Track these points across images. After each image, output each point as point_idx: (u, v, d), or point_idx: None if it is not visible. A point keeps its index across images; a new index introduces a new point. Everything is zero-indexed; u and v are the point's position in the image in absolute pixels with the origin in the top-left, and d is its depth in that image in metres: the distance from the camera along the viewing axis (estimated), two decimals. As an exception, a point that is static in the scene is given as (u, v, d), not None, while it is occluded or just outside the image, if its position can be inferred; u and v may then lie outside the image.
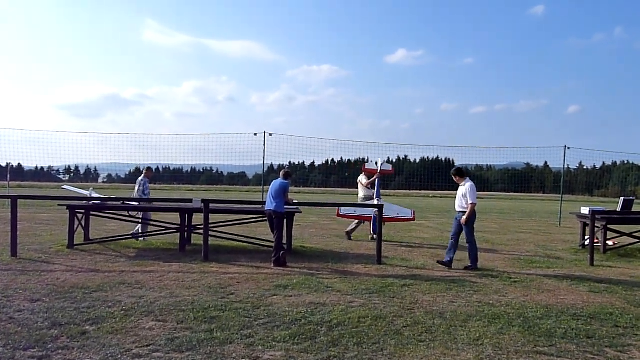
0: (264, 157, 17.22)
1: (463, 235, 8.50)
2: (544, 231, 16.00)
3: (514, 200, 48.33)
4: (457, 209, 8.50)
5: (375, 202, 11.48)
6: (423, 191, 48.31)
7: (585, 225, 11.47)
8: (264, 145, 17.02)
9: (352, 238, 12.07)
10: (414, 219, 12.26)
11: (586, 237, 11.16)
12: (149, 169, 11.53)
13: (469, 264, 8.34)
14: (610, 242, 11.73)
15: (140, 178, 11.15)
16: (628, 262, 9.68)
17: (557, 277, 7.91)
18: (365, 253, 9.88)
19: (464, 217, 8.31)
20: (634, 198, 12.12)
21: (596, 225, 10.28)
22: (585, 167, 58.63)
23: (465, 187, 8.37)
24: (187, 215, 9.88)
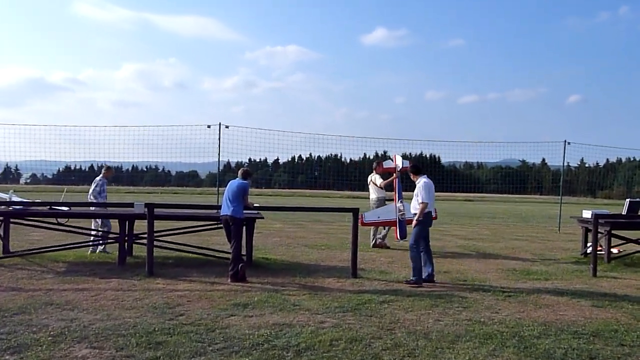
0: (219, 154, 17.12)
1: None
2: (541, 238, 16.38)
3: (508, 203, 49.31)
4: (412, 210, 8.58)
5: (400, 205, 11.84)
6: (404, 192, 48.83)
7: (587, 231, 11.80)
8: (219, 139, 16.93)
9: (388, 245, 12.61)
10: (435, 218, 12.54)
11: (588, 245, 11.48)
12: (108, 168, 11.41)
13: (411, 277, 8.34)
14: (614, 250, 12.09)
15: (98, 178, 11.05)
16: (634, 273, 10.01)
17: (556, 290, 8.12)
18: (339, 265, 9.92)
19: (414, 219, 8.40)
20: (641, 200, 12.54)
21: (599, 230, 10.59)
22: (587, 165, 60.21)
23: (418, 185, 8.49)
24: (127, 223, 9.75)
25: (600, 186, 44.22)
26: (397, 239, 12.36)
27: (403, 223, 12.18)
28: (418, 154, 55.74)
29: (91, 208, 10.32)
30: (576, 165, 58.84)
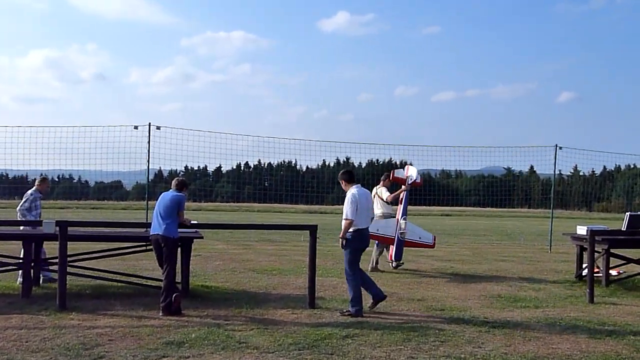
0: (148, 160, 16.88)
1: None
2: (530, 258, 16.71)
3: (492, 218, 50.18)
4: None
5: (402, 223, 12.44)
6: (410, 207, 49.22)
7: (582, 249, 12.09)
8: (149, 142, 16.70)
9: (378, 268, 12.94)
10: (433, 246, 13.31)
11: (584, 266, 11.76)
12: (43, 179, 11.08)
13: (350, 308, 8.37)
14: (614, 272, 12.42)
15: (30, 191, 10.78)
16: (636, 297, 10.30)
17: (548, 320, 8.28)
18: (293, 293, 9.89)
19: (340, 237, 8.50)
20: (644, 213, 12.92)
21: (596, 249, 10.86)
22: (582, 173, 61.75)
23: (346, 198, 8.52)
24: (33, 245, 9.49)
25: (596, 197, 45.48)
26: (391, 259, 12.83)
27: (402, 243, 12.68)
28: (386, 160, 56.17)
29: (21, 227, 10.07)
30: (569, 173, 60.11)
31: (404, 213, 12.67)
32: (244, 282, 10.97)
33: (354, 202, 8.43)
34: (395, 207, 13.17)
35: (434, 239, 13.27)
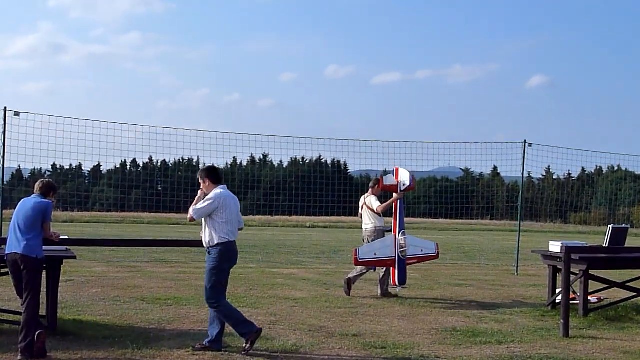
0: (2, 157, 16.46)
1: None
2: (492, 282, 17.09)
3: (446, 232, 51.04)
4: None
5: (401, 239, 13.08)
6: (295, 217, 49.27)
7: (556, 271, 12.43)
8: (4, 134, 16.29)
9: (350, 290, 13.51)
10: (437, 256, 14.10)
11: (557, 291, 12.10)
12: None
13: (244, 345, 8.41)
14: (593, 298, 12.83)
15: None
16: (620, 330, 10.67)
17: (514, 358, 8.48)
18: (194, 329, 9.82)
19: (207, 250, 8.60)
20: (629, 226, 13.41)
21: (573, 271, 11.20)
22: (555, 177, 63.59)
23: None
24: None
25: (573, 207, 46.63)
26: (395, 284, 13.15)
27: (404, 263, 13.07)
28: (314, 158, 56.41)
29: None
30: (540, 176, 61.79)
31: (402, 226, 13.24)
32: (130, 315, 10.80)
33: (216, 204, 8.40)
34: (387, 218, 13.81)
35: (437, 247, 13.87)
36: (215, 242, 8.47)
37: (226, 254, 8.52)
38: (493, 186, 63.06)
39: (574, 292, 12.05)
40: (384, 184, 13.64)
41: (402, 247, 13.00)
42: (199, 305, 11.85)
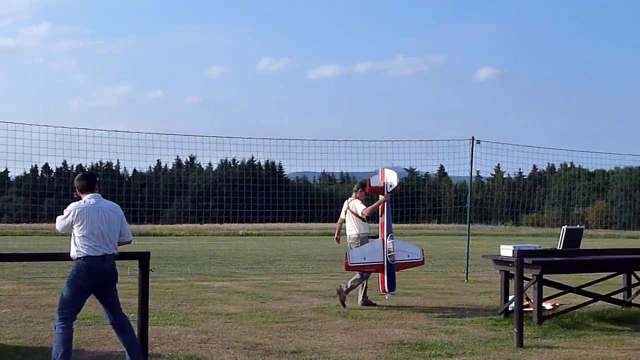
0: None
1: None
2: (441, 291, 17.24)
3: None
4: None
5: (389, 243, 13.48)
6: (227, 224, 49.09)
7: (508, 276, 12.60)
8: None
9: (344, 297, 13.86)
10: (423, 262, 14.56)
11: (510, 298, 12.26)
12: None
13: None
14: (548, 305, 13.04)
15: None
16: (576, 338, 10.86)
17: (466, 372, 8.58)
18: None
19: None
20: (584, 227, 13.65)
21: (526, 276, 11.36)
22: (506, 175, 64.53)
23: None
24: None
25: (525, 207, 47.37)
26: (384, 290, 13.56)
27: (393, 269, 13.48)
28: (246, 160, 56.23)
29: None
30: (490, 175, 62.68)
31: (389, 229, 13.66)
32: (44, 338, 10.61)
33: (70, 218, 8.24)
34: (372, 224, 14.40)
35: (422, 253, 14.22)
36: (73, 257, 8.35)
37: (84, 271, 8.31)
38: (440, 187, 63.58)
39: (528, 299, 12.23)
40: (372, 185, 14.01)
41: (391, 252, 13.35)
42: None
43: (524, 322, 10.53)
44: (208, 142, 22.55)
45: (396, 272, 13.69)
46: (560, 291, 12.76)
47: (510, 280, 12.37)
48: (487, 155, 21.85)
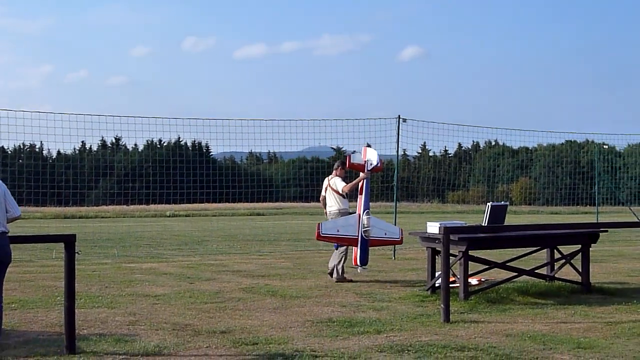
0: None
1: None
2: (370, 268, 17.35)
3: (318, 216, 51.49)
4: None
5: (365, 219, 13.89)
6: (154, 205, 48.63)
7: (434, 253, 12.78)
8: None
9: (345, 277, 14.51)
10: (401, 241, 14.99)
11: (437, 274, 12.43)
12: None
13: None
14: (474, 280, 13.26)
15: None
16: (502, 312, 11.08)
17: (394, 348, 8.65)
18: (44, 333, 9.56)
19: None
20: (508, 203, 13.91)
21: (452, 252, 11.53)
22: (432, 154, 65.18)
23: None
24: None
25: (451, 185, 47.86)
26: (356, 264, 13.99)
27: (366, 244, 13.89)
28: (173, 140, 55.62)
29: None
30: (416, 154, 63.18)
31: (367, 205, 14.04)
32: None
33: None
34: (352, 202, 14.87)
35: (401, 232, 14.56)
36: None
37: None
38: (366, 165, 63.77)
39: (454, 275, 12.42)
40: (351, 162, 14.56)
41: (366, 227, 13.68)
42: (48, 308, 11.55)
43: (451, 298, 10.68)
44: (134, 123, 22.23)
45: (370, 248, 14.13)
46: (485, 267, 12.98)
47: (437, 256, 12.54)
48: (413, 133, 22.05)
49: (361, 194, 14.21)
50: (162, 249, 23.71)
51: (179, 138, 54.75)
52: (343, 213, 14.56)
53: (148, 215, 50.60)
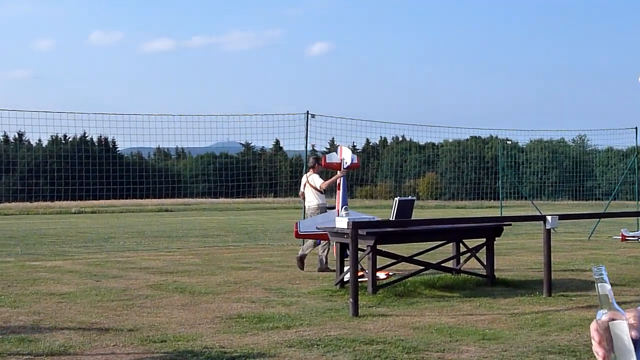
0: None
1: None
2: (278, 264, 17.40)
3: (227, 212, 51.42)
4: None
5: (343, 212, 13.74)
6: (58, 202, 47.73)
7: (343, 247, 12.86)
8: None
9: (328, 267, 15.03)
10: None
11: (345, 269, 12.52)
12: None
13: None
14: (382, 274, 13.40)
15: None
16: (409, 305, 11.23)
17: (303, 343, 8.68)
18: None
19: None
20: (415, 198, 14.12)
21: (360, 247, 11.62)
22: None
23: None
24: None
25: (359, 180, 48.26)
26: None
27: None
28: (78, 136, 54.78)
29: None
30: (325, 149, 63.42)
31: (344, 201, 14.44)
32: None
33: None
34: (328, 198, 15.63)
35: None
36: None
37: None
38: (276, 161, 63.83)
39: (362, 269, 12.52)
40: (327, 162, 15.03)
41: None
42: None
43: (359, 292, 10.77)
44: (37, 118, 21.81)
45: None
46: (393, 261, 13.15)
47: (345, 251, 12.63)
48: (322, 129, 22.22)
49: (339, 190, 14.73)
50: (68, 246, 23.28)
51: (85, 133, 54.00)
52: (322, 208, 15.39)
53: (53, 212, 49.64)
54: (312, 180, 15.66)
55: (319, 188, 15.51)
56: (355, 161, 15.17)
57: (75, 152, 40.38)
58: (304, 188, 15.97)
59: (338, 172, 14.92)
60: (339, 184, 14.77)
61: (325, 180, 15.70)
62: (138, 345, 8.68)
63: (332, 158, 15.10)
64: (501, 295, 12.06)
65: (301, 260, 15.20)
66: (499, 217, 15.72)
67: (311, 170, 15.95)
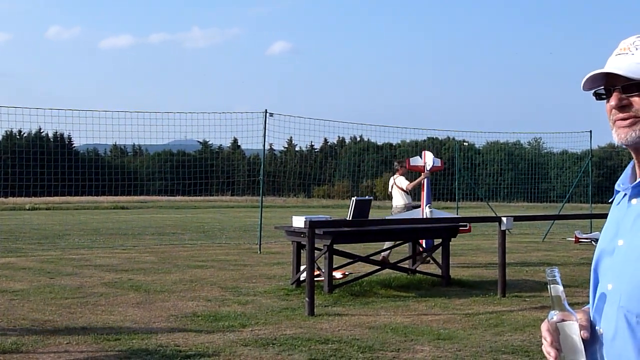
0: None
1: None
2: (235, 262, 17.37)
3: (183, 210, 51.23)
4: None
5: (428, 211, 15.50)
6: (12, 198, 47.21)
7: (300, 247, 12.86)
8: None
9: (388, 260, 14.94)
10: (470, 229, 16.36)
11: (302, 268, 12.53)
12: None
13: None
14: (338, 274, 13.43)
15: None
16: (365, 305, 11.27)
17: (259, 342, 8.68)
18: None
19: None
20: (372, 198, 14.18)
21: (317, 246, 11.64)
22: (297, 148, 65.51)
23: None
24: None
25: (316, 180, 48.38)
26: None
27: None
28: (33, 131, 54.07)
29: None
30: (282, 148, 63.56)
31: (429, 200, 16.16)
32: None
33: None
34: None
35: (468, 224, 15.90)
36: None
37: None
38: (233, 159, 63.70)
39: (319, 269, 12.54)
40: (411, 164, 16.67)
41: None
42: None
43: (315, 291, 10.78)
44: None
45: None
46: (349, 260, 13.17)
47: (302, 250, 12.64)
48: (280, 128, 22.23)
49: (423, 190, 16.28)
50: (21, 243, 23.02)
51: (40, 129, 53.17)
52: (409, 207, 16.32)
53: (6, 209, 49.01)
54: (399, 182, 16.54)
55: (405, 189, 16.44)
56: (438, 164, 16.49)
57: (30, 147, 39.90)
58: (391, 189, 16.86)
59: (422, 174, 16.52)
60: (424, 185, 16.34)
61: (410, 182, 16.60)
62: (92, 343, 8.61)
63: (416, 162, 16.70)
64: (456, 296, 12.15)
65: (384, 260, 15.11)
66: (454, 218, 16.04)
67: (397, 172, 16.77)
